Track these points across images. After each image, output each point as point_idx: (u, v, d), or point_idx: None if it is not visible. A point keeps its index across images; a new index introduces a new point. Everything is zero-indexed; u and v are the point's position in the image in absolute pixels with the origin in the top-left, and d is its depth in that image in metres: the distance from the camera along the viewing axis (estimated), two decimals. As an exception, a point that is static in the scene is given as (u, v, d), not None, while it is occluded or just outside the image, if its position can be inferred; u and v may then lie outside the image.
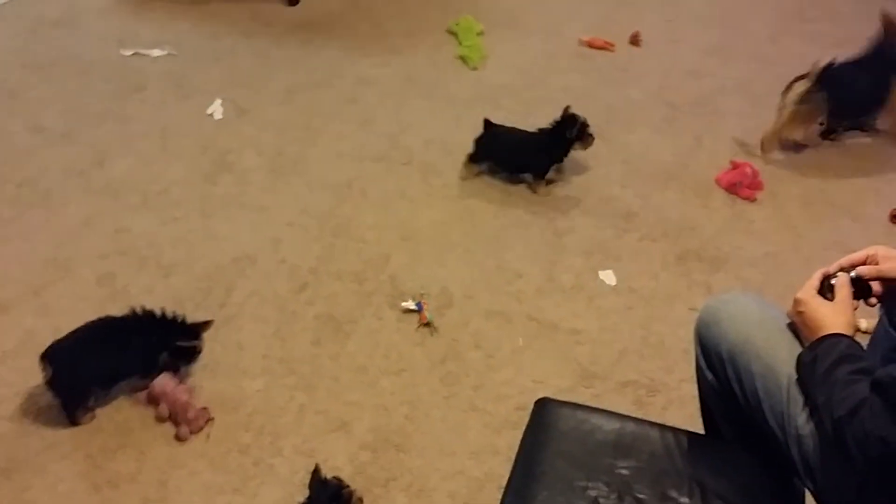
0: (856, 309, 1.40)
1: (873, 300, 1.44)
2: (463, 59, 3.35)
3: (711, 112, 3.08)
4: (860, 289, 1.42)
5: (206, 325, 2.07)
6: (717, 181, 2.74)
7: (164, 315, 2.02)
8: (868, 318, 1.97)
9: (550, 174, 2.73)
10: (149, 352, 2.01)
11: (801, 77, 2.79)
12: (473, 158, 2.74)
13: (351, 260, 2.44)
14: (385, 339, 2.20)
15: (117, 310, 2.23)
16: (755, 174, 2.73)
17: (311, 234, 2.53)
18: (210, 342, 2.16)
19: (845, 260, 1.44)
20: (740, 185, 2.70)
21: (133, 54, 3.34)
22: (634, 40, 3.48)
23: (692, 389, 1.63)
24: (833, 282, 1.40)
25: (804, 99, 2.75)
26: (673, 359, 2.14)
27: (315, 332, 2.22)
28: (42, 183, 2.71)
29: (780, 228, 2.58)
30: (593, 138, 2.71)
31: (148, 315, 2.01)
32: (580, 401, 1.69)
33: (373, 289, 2.34)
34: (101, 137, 2.92)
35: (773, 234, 2.55)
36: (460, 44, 3.42)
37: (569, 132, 2.67)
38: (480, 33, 3.49)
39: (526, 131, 2.72)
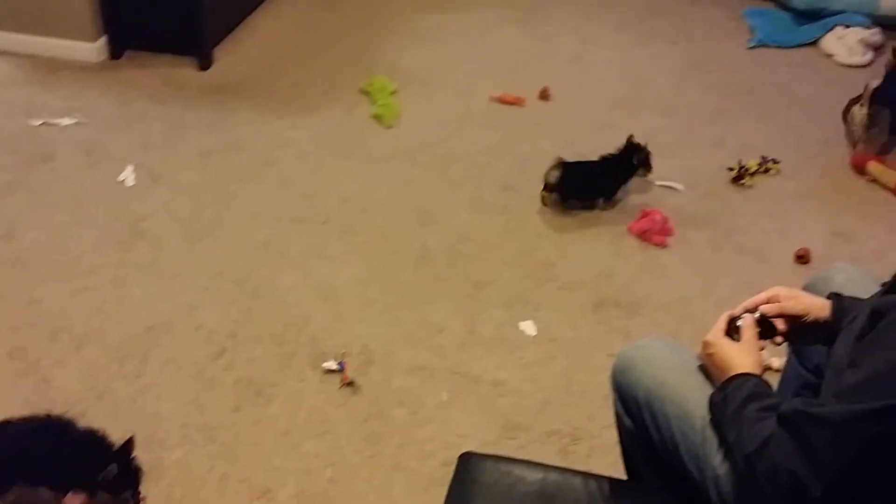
0: (762, 349, 1.45)
1: (778, 339, 1.50)
2: (377, 117, 3.39)
3: (621, 162, 3.17)
4: (765, 329, 1.47)
5: (129, 444, 1.90)
6: (630, 229, 2.82)
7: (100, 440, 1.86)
8: (779, 357, 2.04)
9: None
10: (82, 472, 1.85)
11: (855, 100, 3.14)
12: (566, 200, 2.91)
13: (270, 322, 2.41)
14: (307, 401, 2.17)
15: (30, 385, 2.18)
16: (665, 221, 2.82)
17: (228, 297, 2.49)
18: (125, 415, 2.11)
19: (749, 302, 1.49)
20: (651, 232, 2.78)
21: (41, 124, 3.27)
22: (544, 95, 3.57)
23: (615, 435, 1.65)
24: (739, 323, 1.45)
25: (872, 122, 3.09)
26: (595, 406, 2.16)
27: (235, 397, 2.18)
28: (-55, 257, 2.62)
29: (691, 273, 2.65)
30: (652, 168, 2.93)
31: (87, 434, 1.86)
32: (505, 453, 1.70)
33: (293, 350, 2.32)
34: (10, 208, 2.84)
35: (685, 279, 2.63)
36: (374, 103, 3.46)
37: (636, 158, 2.91)
38: (394, 92, 3.54)
39: (595, 161, 2.92)
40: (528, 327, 2.42)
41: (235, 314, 2.43)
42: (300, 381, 2.23)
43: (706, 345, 1.44)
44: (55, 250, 2.66)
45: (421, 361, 2.30)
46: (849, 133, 3.20)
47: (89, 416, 2.10)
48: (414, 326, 2.42)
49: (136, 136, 3.23)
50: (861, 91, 3.27)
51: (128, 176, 3.00)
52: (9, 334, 2.34)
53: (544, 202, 2.91)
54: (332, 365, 2.25)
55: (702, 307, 2.49)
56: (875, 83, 3.08)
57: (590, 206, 2.93)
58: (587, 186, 2.91)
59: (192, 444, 2.06)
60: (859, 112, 3.10)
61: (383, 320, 2.44)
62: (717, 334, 1.44)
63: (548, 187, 2.87)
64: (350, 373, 2.23)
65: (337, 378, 2.23)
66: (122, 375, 2.24)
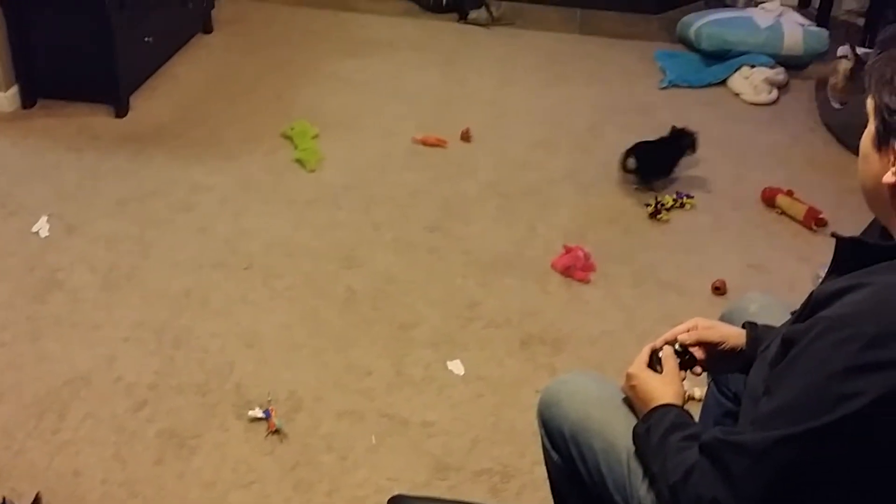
0: (684, 379, 1.48)
1: (698, 369, 1.54)
2: (300, 162, 3.38)
3: (542, 201, 3.23)
4: (686, 359, 1.51)
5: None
6: (553, 266, 2.86)
7: None
8: (701, 388, 2.09)
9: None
10: None
11: (843, 56, 3.69)
12: (649, 181, 3.32)
13: (193, 371, 2.36)
14: (233, 451, 2.13)
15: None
16: (587, 257, 2.87)
17: (149, 348, 2.43)
18: (43, 474, 2.04)
19: (669, 333, 1.53)
20: (574, 269, 2.82)
21: (-52, 176, 3.17)
22: (465, 137, 3.62)
23: (545, 472, 1.66)
24: (660, 355, 1.49)
25: (851, 77, 3.60)
26: (524, 443, 2.17)
27: (157, 450, 2.12)
28: None
29: (613, 307, 2.70)
30: (696, 149, 3.37)
31: None
32: (436, 494, 1.69)
33: (217, 400, 2.27)
34: (-86, 263, 2.73)
35: (608, 313, 2.67)
36: (296, 147, 3.45)
37: (685, 142, 3.32)
38: (316, 136, 3.54)
39: (653, 140, 3.33)
40: (456, 367, 2.43)
41: (156, 364, 2.38)
42: (225, 431, 2.18)
43: (629, 377, 1.46)
44: (-35, 305, 2.57)
45: (349, 405, 2.28)
46: (823, 89, 3.80)
47: (5, 476, 2.03)
48: (341, 370, 2.40)
49: (50, 186, 3.15)
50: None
51: (42, 227, 2.92)
52: (-85, 394, 2.24)
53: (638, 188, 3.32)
54: (258, 413, 2.21)
55: (625, 340, 2.53)
56: (861, 50, 3.69)
57: (650, 185, 3.32)
58: (658, 165, 3.33)
59: (113, 500, 1.99)
60: (846, 64, 3.65)
61: (310, 365, 2.41)
62: (639, 366, 1.46)
63: (628, 171, 3.29)
64: (276, 420, 2.19)
65: (263, 426, 2.19)
66: (39, 432, 2.16)
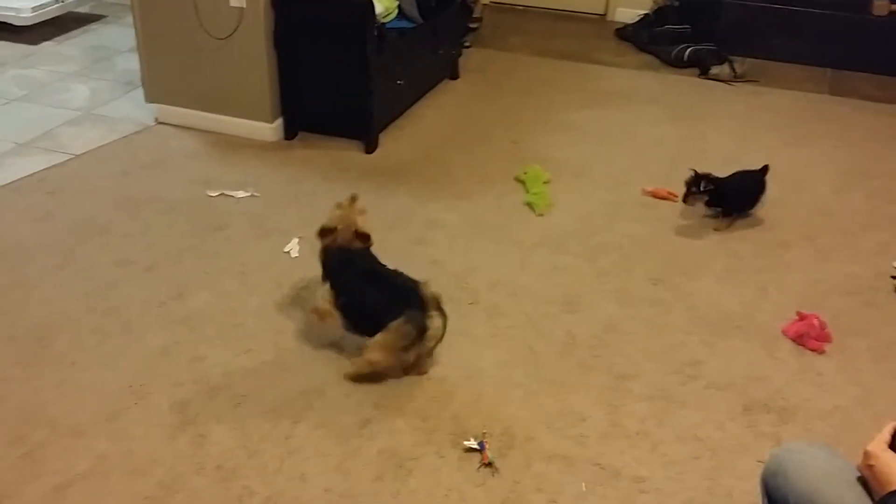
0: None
1: (948, 458, 1.42)
2: (530, 205, 3.47)
3: (776, 263, 3.11)
4: (933, 446, 1.41)
5: None
6: (784, 332, 2.74)
7: None
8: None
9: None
10: None
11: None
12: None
13: (415, 396, 2.47)
14: (446, 477, 2.20)
15: (186, 439, 2.30)
16: (822, 326, 2.72)
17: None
18: (273, 476, 2.20)
19: (918, 414, 1.43)
20: (807, 337, 2.69)
21: (219, 195, 3.53)
22: (698, 192, 3.55)
23: (761, 543, 1.59)
24: (905, 436, 1.40)
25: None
26: (741, 512, 2.09)
27: (378, 467, 2.23)
28: (124, 313, 2.83)
29: (849, 382, 2.54)
30: None
31: None
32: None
33: (435, 426, 2.36)
34: (183, 272, 3.06)
35: (843, 388, 2.52)
36: (527, 191, 3.55)
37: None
38: (547, 182, 3.62)
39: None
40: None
41: (383, 386, 2.51)
42: (440, 458, 2.26)
43: (868, 455, 1.39)
44: (221, 313, 2.84)
45: (561, 449, 2.29)
46: None
47: (239, 474, 2.21)
48: (556, 413, 2.42)
49: (302, 210, 3.43)
50: None
51: (293, 247, 3.18)
52: (172, 389, 2.50)
53: None
54: (473, 444, 2.27)
55: (860, 418, 2.38)
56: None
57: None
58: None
59: (333, 509, 2.11)
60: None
61: (525, 404, 2.45)
62: (879, 445, 1.39)
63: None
64: (490, 453, 2.24)
65: (476, 457, 2.25)
66: (273, 436, 2.33)
